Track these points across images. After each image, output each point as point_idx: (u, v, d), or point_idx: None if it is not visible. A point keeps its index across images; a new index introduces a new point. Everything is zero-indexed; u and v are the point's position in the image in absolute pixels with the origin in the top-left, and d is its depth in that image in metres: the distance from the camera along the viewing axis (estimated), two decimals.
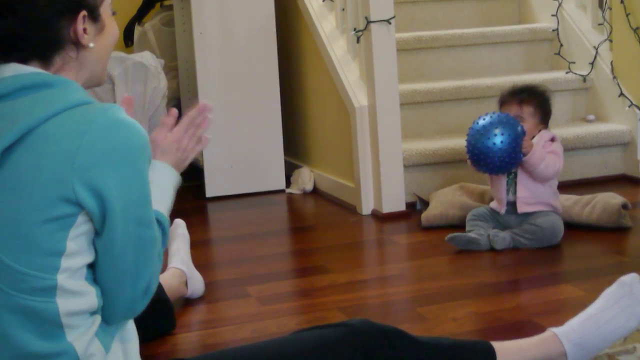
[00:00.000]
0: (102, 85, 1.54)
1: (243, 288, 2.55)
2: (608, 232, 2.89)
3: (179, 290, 2.38)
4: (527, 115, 2.85)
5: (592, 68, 3.92)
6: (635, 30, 3.64)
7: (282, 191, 3.99)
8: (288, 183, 4.04)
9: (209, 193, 3.93)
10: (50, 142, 1.31)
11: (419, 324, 2.14)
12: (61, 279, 1.33)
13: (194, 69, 3.97)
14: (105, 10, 1.45)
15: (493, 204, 2.93)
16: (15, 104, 1.34)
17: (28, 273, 1.32)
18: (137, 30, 4.86)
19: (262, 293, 2.49)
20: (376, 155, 3.35)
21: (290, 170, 4.12)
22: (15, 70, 1.38)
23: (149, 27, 4.83)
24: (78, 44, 1.41)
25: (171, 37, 4.70)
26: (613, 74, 3.81)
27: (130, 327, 1.48)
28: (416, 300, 2.38)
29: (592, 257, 2.69)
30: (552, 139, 2.87)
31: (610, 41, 3.85)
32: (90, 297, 1.37)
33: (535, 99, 2.88)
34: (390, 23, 3.30)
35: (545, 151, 2.81)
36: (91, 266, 1.39)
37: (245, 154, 3.98)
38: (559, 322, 1.77)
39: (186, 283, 2.42)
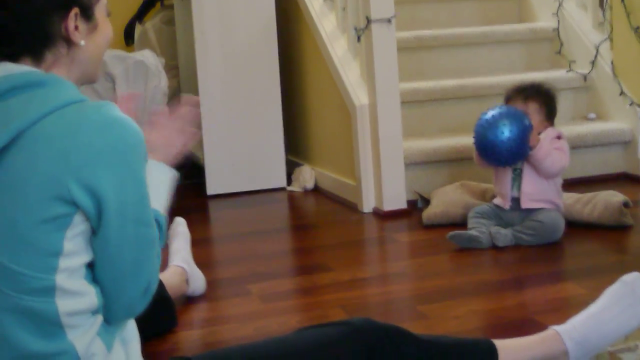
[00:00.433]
0: (96, 82, 1.54)
1: (244, 286, 2.55)
2: (609, 230, 2.89)
3: (180, 288, 2.38)
4: (533, 111, 2.85)
5: (592, 67, 3.92)
6: (635, 29, 3.64)
7: (283, 189, 3.99)
8: (289, 181, 4.04)
9: (210, 191, 3.93)
10: (44, 142, 1.31)
11: (421, 322, 2.14)
12: (59, 279, 1.33)
13: (195, 68, 3.98)
14: (99, 10, 1.45)
15: (496, 200, 2.93)
16: (7, 104, 1.34)
17: (26, 274, 1.31)
18: (138, 29, 4.86)
19: (263, 291, 2.49)
20: (377, 153, 3.35)
21: (291, 168, 4.12)
22: (6, 70, 1.37)
23: (149, 26, 4.83)
24: (69, 41, 1.40)
25: (172, 35, 4.70)
26: (613, 72, 3.81)
27: (132, 327, 1.48)
28: (417, 298, 2.38)
29: (594, 255, 2.69)
30: (559, 137, 2.88)
31: (611, 40, 3.85)
32: (90, 296, 1.36)
33: (540, 96, 2.88)
34: (390, 22, 3.30)
35: (551, 147, 2.82)
36: (91, 266, 1.38)
37: (246, 152, 3.98)
38: (561, 320, 1.77)
39: (187, 281, 2.42)
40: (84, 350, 1.36)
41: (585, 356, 1.72)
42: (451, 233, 2.81)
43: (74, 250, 1.34)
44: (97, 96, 3.52)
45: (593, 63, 3.92)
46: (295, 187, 3.98)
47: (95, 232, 1.35)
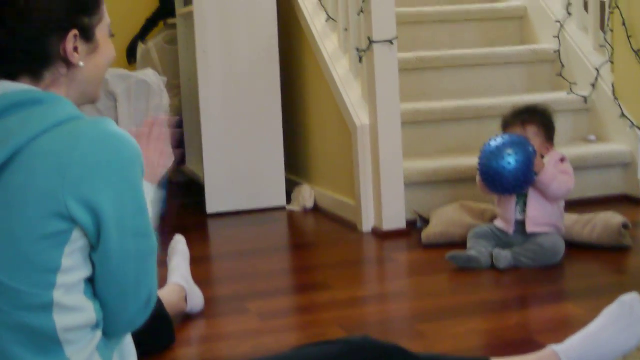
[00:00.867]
0: (96, 102, 1.54)
1: (243, 304, 2.54)
2: (608, 251, 2.89)
3: (178, 305, 2.37)
4: (532, 135, 2.86)
5: (593, 89, 3.93)
6: (636, 52, 3.66)
7: (282, 208, 3.99)
8: (289, 200, 4.05)
9: (210, 209, 3.93)
10: (41, 159, 1.31)
11: (419, 341, 2.14)
12: (57, 295, 1.32)
13: (197, 87, 3.99)
14: (101, 31, 1.44)
15: (499, 223, 2.93)
16: (5, 122, 1.34)
17: (23, 290, 1.31)
18: (140, 48, 4.89)
19: (262, 309, 2.49)
20: (377, 173, 3.35)
21: (291, 187, 4.12)
22: (4, 88, 1.37)
23: (152, 45, 4.85)
24: (68, 62, 1.40)
25: (174, 55, 4.73)
26: (614, 95, 3.82)
27: (129, 343, 1.48)
28: (416, 317, 2.38)
29: (593, 276, 2.69)
30: (562, 160, 2.89)
31: (612, 63, 3.87)
32: (89, 312, 1.36)
33: (537, 118, 2.89)
34: (392, 43, 3.31)
35: (556, 170, 2.82)
36: (91, 281, 1.38)
37: (246, 171, 3.98)
38: (559, 340, 1.77)
39: (186, 298, 2.41)
40: None
41: None
42: (450, 253, 2.81)
43: (72, 266, 1.34)
44: (99, 114, 3.53)
45: (594, 85, 3.93)
46: (294, 206, 3.99)
47: (94, 247, 1.35)
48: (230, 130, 3.95)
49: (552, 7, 4.33)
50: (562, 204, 2.91)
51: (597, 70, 3.92)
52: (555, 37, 4.20)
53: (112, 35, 1.49)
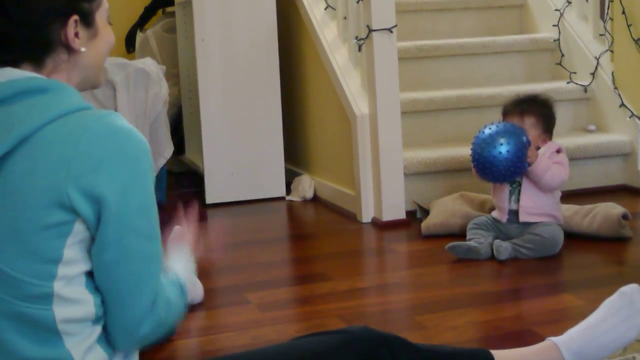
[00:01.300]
0: (98, 88, 1.54)
1: (242, 295, 2.54)
2: (608, 242, 2.89)
3: None
4: (529, 126, 2.85)
5: (593, 78, 3.93)
6: (636, 41, 3.65)
7: (282, 198, 3.99)
8: (288, 190, 4.04)
9: (209, 200, 3.93)
10: (45, 149, 1.31)
11: (418, 332, 2.14)
12: (57, 286, 1.33)
13: (196, 76, 3.98)
14: (100, 16, 1.45)
15: (495, 213, 2.93)
16: (10, 110, 1.34)
17: (24, 280, 1.31)
18: (139, 36, 4.88)
19: (261, 300, 2.49)
20: (377, 163, 3.35)
21: (290, 177, 4.12)
22: (9, 75, 1.37)
23: (150, 33, 4.84)
24: (69, 48, 1.41)
25: (173, 43, 4.72)
26: (614, 84, 3.81)
27: None
28: (415, 308, 2.38)
29: (592, 267, 2.69)
30: (558, 151, 2.88)
31: (612, 52, 3.86)
32: (88, 305, 1.36)
33: (536, 109, 2.88)
34: (392, 32, 3.30)
35: (550, 162, 2.82)
36: (91, 274, 1.37)
37: (245, 161, 3.98)
38: (559, 332, 1.77)
39: None
40: (81, 358, 1.35)
41: None
42: (450, 244, 2.81)
43: (74, 259, 1.34)
44: (97, 103, 3.52)
45: (593, 74, 3.92)
46: (294, 197, 3.98)
47: (93, 239, 1.35)
48: (230, 120, 3.95)
49: None
50: (558, 193, 2.90)
51: (597, 59, 3.91)
52: (554, 25, 4.19)
53: (110, 23, 1.49)
